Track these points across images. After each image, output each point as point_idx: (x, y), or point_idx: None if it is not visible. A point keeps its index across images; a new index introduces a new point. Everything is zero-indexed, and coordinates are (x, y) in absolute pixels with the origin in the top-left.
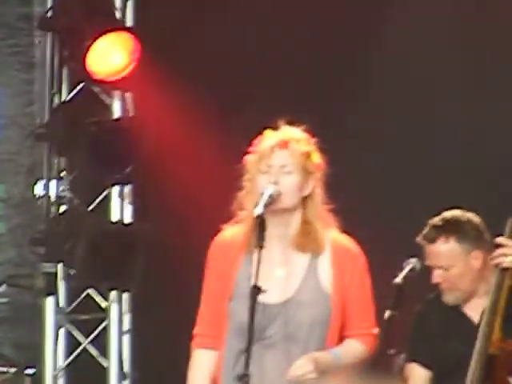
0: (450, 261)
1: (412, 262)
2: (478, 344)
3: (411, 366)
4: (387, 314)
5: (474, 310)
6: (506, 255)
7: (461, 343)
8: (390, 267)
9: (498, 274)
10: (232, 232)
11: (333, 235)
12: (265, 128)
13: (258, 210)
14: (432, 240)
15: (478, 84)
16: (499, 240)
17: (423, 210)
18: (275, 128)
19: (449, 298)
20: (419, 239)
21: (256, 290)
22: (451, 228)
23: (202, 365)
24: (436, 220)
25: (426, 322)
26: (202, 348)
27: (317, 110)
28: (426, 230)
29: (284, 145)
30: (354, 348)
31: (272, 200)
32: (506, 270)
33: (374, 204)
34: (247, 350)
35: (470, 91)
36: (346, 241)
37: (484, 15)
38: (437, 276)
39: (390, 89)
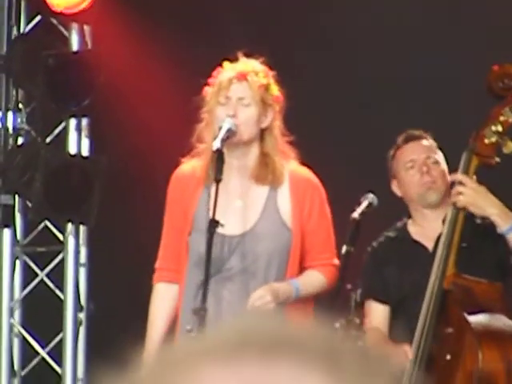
0: (437, 156)
1: (370, 198)
2: (432, 280)
3: (368, 302)
4: (344, 248)
5: (427, 239)
6: (461, 193)
7: (415, 270)
8: (347, 202)
9: (452, 211)
10: (191, 165)
11: (292, 167)
12: (223, 60)
13: (216, 145)
14: (419, 138)
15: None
16: (457, 177)
17: (383, 145)
18: (234, 60)
19: (433, 196)
20: (399, 142)
21: (214, 224)
22: (428, 137)
23: (163, 299)
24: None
25: (380, 255)
26: (164, 282)
27: (275, 44)
28: (405, 134)
29: (242, 77)
30: (314, 278)
31: (230, 134)
32: (460, 208)
33: (334, 137)
34: (204, 284)
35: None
36: (305, 172)
37: None
38: (427, 165)
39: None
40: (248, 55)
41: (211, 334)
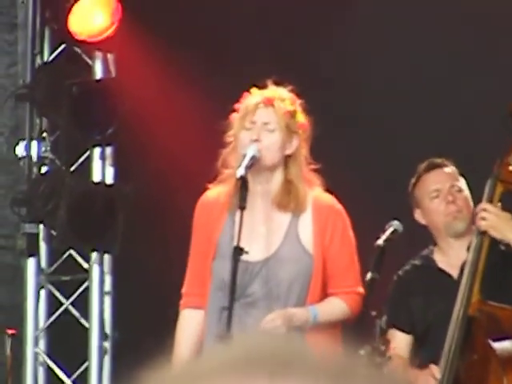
0: (461, 183)
1: (395, 225)
2: (458, 307)
3: (392, 331)
4: (369, 275)
5: (452, 267)
6: (484, 218)
7: (440, 299)
8: (372, 229)
9: (477, 238)
10: (216, 192)
11: (315, 194)
12: (252, 86)
13: (240, 172)
14: (442, 165)
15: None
16: (482, 206)
17: (408, 172)
18: (262, 87)
19: (459, 225)
20: (421, 170)
21: (238, 252)
22: (450, 164)
23: (189, 324)
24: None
25: (406, 283)
26: (190, 307)
27: (303, 72)
28: (427, 163)
29: (269, 102)
30: (335, 305)
31: (254, 161)
32: (484, 233)
33: (359, 166)
34: (229, 310)
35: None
36: (328, 199)
37: None
38: (452, 194)
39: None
40: (277, 83)
41: (221, 353)
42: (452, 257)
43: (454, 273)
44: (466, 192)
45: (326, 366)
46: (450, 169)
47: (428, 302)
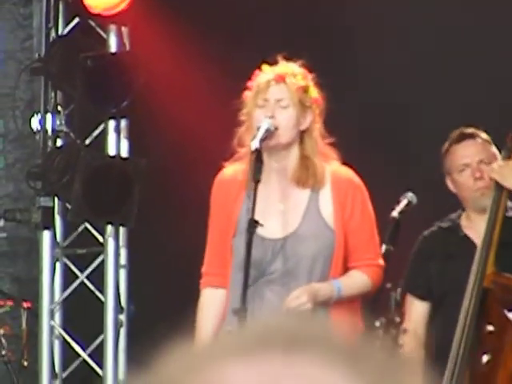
0: (490, 156)
1: (409, 196)
2: (472, 279)
3: (409, 298)
4: (384, 247)
5: (477, 234)
6: (493, 168)
7: (461, 265)
8: (387, 201)
9: (490, 210)
10: (233, 169)
11: (333, 168)
12: (263, 62)
13: (255, 144)
14: (472, 136)
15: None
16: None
17: (423, 144)
18: (273, 63)
19: (485, 201)
20: (451, 141)
21: (253, 224)
22: (482, 133)
23: (211, 304)
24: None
25: (428, 244)
26: (211, 287)
27: (315, 47)
28: (457, 133)
29: (280, 79)
30: (358, 278)
31: (268, 134)
32: (500, 188)
33: (374, 138)
34: (244, 285)
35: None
36: (346, 172)
37: None
38: (479, 169)
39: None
40: (287, 58)
41: (235, 332)
42: (478, 226)
43: (478, 241)
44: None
45: (341, 345)
46: (481, 139)
47: (448, 266)
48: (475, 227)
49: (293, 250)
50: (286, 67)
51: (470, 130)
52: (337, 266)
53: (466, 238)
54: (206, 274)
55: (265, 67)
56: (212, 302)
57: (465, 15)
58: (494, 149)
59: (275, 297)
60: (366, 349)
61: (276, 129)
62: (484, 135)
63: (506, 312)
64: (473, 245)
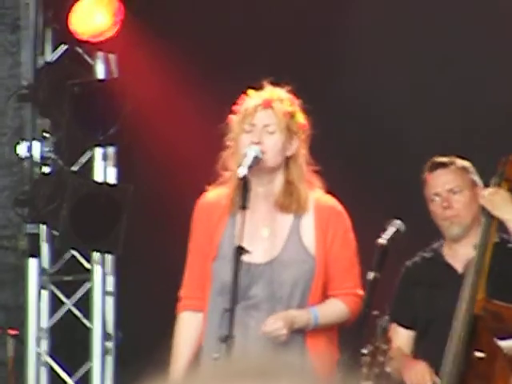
0: (462, 184)
1: (397, 224)
2: (462, 305)
3: (394, 326)
4: (371, 275)
5: (458, 262)
6: (483, 197)
7: (445, 293)
8: (373, 229)
9: (481, 237)
10: (216, 193)
11: (316, 195)
12: (249, 88)
13: (242, 172)
14: (444, 165)
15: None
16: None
17: (408, 172)
18: (259, 88)
19: (454, 230)
20: (425, 169)
21: (240, 251)
22: (459, 161)
23: (188, 327)
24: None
25: (412, 275)
26: (188, 310)
27: (299, 74)
28: (432, 161)
29: (267, 104)
30: (335, 307)
31: (256, 161)
32: (490, 217)
33: (359, 166)
34: (231, 312)
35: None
36: (329, 200)
37: None
38: (447, 199)
39: (370, 53)
40: (274, 84)
41: (214, 363)
42: (459, 251)
43: (459, 267)
44: (471, 190)
45: (313, 376)
46: (455, 167)
47: (432, 295)
48: (456, 255)
49: (274, 276)
50: (272, 92)
51: (443, 159)
52: (316, 294)
53: (449, 267)
54: (185, 297)
55: (251, 92)
56: (189, 325)
57: (450, 42)
58: (471, 176)
59: (257, 323)
60: (337, 381)
61: (263, 155)
62: (460, 163)
63: (495, 340)
64: (455, 273)
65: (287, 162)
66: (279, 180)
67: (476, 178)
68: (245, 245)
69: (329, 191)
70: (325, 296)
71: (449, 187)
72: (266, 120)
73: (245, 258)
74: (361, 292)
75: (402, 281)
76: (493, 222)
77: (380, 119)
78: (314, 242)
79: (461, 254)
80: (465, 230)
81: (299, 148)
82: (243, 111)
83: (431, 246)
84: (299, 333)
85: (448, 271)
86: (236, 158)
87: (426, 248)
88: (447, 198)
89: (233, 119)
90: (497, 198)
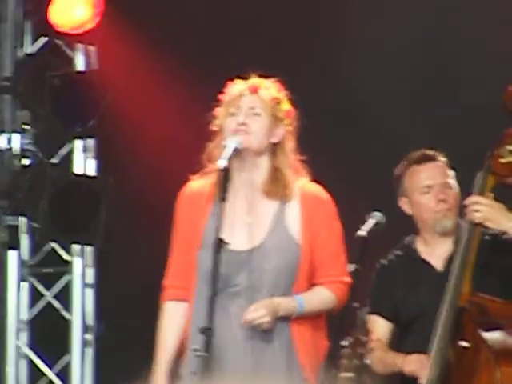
0: (451, 179)
1: (377, 216)
2: (448, 297)
3: (373, 318)
4: (352, 267)
5: (436, 258)
6: (478, 211)
7: (424, 290)
8: (354, 221)
9: (469, 228)
10: (199, 183)
11: (302, 183)
12: (236, 77)
13: (222, 163)
14: (432, 158)
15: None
16: (472, 199)
17: (389, 165)
18: (246, 78)
19: (448, 223)
20: (410, 162)
21: (220, 243)
22: (440, 154)
23: (173, 317)
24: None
25: (389, 273)
26: (173, 300)
27: (287, 72)
28: (417, 154)
29: (254, 89)
30: (321, 295)
31: (236, 153)
32: (476, 224)
33: (340, 157)
34: (210, 303)
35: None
36: (315, 188)
37: None
38: (443, 191)
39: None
40: (262, 76)
41: None
42: (436, 249)
43: (438, 265)
44: (456, 188)
45: None
46: (442, 163)
47: (411, 293)
48: (434, 252)
49: (257, 263)
50: (259, 80)
51: (432, 153)
52: (301, 281)
53: (425, 264)
54: (169, 286)
55: (238, 80)
56: (174, 315)
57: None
58: (452, 174)
59: (240, 311)
60: None
61: (245, 140)
62: (443, 158)
63: (480, 331)
64: (433, 270)
65: (274, 148)
66: (265, 166)
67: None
68: (226, 233)
69: (315, 180)
70: (311, 284)
71: (443, 180)
72: (251, 103)
73: (229, 246)
74: (347, 279)
75: (378, 279)
76: (478, 226)
77: (362, 111)
78: (300, 229)
79: (438, 251)
80: (454, 225)
81: (286, 136)
82: (229, 96)
83: (402, 242)
84: (284, 320)
85: (425, 268)
86: (221, 149)
87: (397, 245)
88: (443, 190)
89: (218, 109)
90: (493, 213)
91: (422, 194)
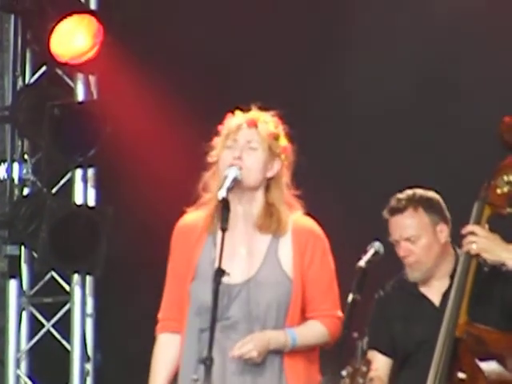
0: (418, 231)
1: (376, 246)
2: (445, 328)
3: (371, 353)
4: (350, 297)
5: (434, 293)
6: (474, 242)
7: (422, 326)
8: (353, 252)
9: (465, 259)
10: (194, 215)
11: (295, 217)
12: (236, 109)
13: (222, 194)
14: (400, 210)
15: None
16: (468, 228)
17: (389, 194)
18: (246, 111)
19: (414, 274)
20: (385, 213)
21: (220, 273)
22: (418, 199)
23: (166, 349)
24: (401, 194)
25: (387, 306)
26: (167, 332)
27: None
28: (391, 203)
29: (252, 123)
30: (314, 329)
31: (235, 183)
32: (473, 255)
33: (338, 189)
34: (210, 333)
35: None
36: (308, 222)
37: None
38: (404, 249)
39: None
40: (261, 108)
41: None
42: (434, 284)
43: (436, 300)
44: (424, 239)
45: None
46: (411, 211)
47: (409, 328)
48: (431, 287)
49: (252, 296)
50: (258, 114)
51: (401, 205)
52: (293, 315)
53: (424, 299)
54: (163, 319)
55: (237, 112)
56: (167, 347)
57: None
58: (430, 215)
59: (232, 344)
60: None
61: (242, 172)
62: (417, 202)
63: (477, 362)
64: (432, 305)
65: (268, 183)
66: (259, 201)
67: (439, 213)
68: (226, 264)
69: (308, 213)
70: (303, 318)
71: (405, 236)
72: (248, 137)
73: (223, 279)
74: (340, 314)
75: (377, 311)
76: (474, 257)
77: (359, 140)
78: (292, 263)
79: (436, 286)
80: (427, 273)
81: (281, 171)
82: (227, 129)
83: (400, 274)
84: (277, 354)
85: (424, 303)
86: (217, 179)
87: (396, 277)
88: (404, 247)
89: (216, 140)
90: (486, 243)
91: (394, 246)
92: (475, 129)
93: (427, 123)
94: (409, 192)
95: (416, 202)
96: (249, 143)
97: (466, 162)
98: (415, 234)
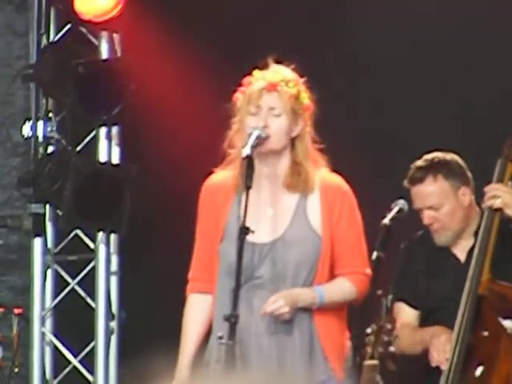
0: (440, 199)
1: (400, 204)
2: (468, 285)
3: (398, 305)
4: (374, 254)
5: (460, 250)
6: (496, 197)
7: (446, 282)
8: (378, 209)
9: (488, 215)
10: (222, 175)
11: (322, 174)
12: (254, 67)
13: (246, 151)
14: (420, 180)
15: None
16: (491, 186)
17: (412, 152)
18: (264, 67)
19: (440, 239)
20: (406, 183)
21: (244, 231)
22: (437, 166)
23: (197, 309)
24: (420, 162)
25: (413, 259)
26: (197, 292)
27: (307, 51)
28: (411, 173)
29: (272, 87)
30: (342, 286)
31: (259, 141)
32: (496, 210)
33: (364, 145)
34: (235, 291)
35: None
36: (335, 179)
37: None
38: (428, 217)
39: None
40: (278, 62)
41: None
42: (460, 241)
43: (462, 256)
44: (447, 206)
45: None
46: (431, 179)
47: (434, 283)
48: (459, 244)
49: (279, 255)
50: (277, 74)
51: (419, 174)
52: (322, 273)
53: (450, 254)
54: (193, 279)
55: (256, 73)
56: (198, 307)
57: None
58: (452, 180)
59: (262, 303)
60: None
61: (267, 137)
62: (437, 168)
63: (500, 319)
64: (459, 262)
65: (293, 142)
66: (285, 161)
67: (460, 176)
68: (249, 225)
69: (334, 170)
70: (332, 276)
71: (428, 205)
72: (271, 103)
73: (250, 238)
74: (368, 271)
75: (403, 263)
76: (497, 213)
77: (385, 102)
78: (320, 221)
79: (462, 244)
80: (453, 237)
81: (304, 128)
82: (248, 94)
83: (427, 229)
84: (306, 312)
85: (450, 259)
86: (241, 137)
87: (422, 231)
88: (428, 215)
89: (238, 99)
90: (509, 198)
91: (419, 212)
92: (498, 81)
93: (452, 74)
94: (427, 158)
95: (435, 170)
96: (272, 110)
97: (491, 118)
98: (438, 202)
